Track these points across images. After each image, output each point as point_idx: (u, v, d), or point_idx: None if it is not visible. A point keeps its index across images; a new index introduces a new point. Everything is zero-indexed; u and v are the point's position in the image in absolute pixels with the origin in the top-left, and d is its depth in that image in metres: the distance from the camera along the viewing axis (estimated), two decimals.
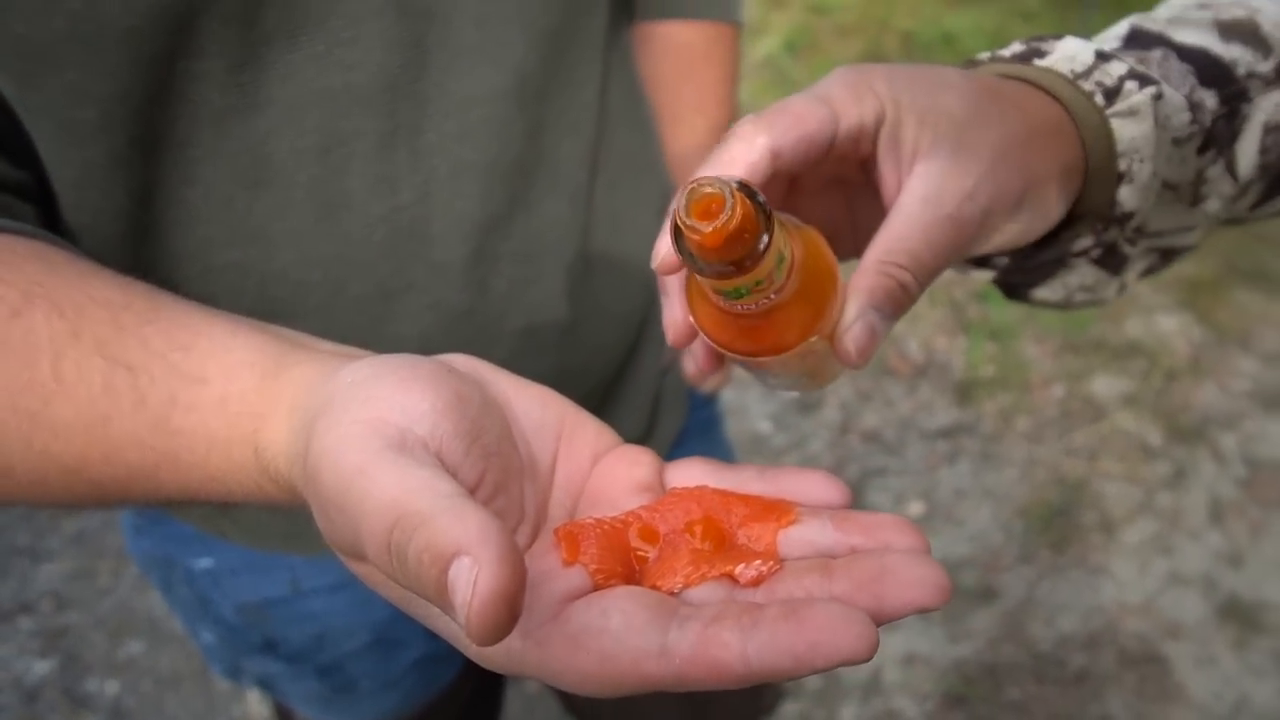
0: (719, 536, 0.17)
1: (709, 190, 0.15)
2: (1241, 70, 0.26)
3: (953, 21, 2.58)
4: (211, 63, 0.27)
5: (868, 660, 0.13)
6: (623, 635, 0.15)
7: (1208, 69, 0.25)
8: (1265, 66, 0.26)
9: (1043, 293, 0.29)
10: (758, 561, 0.16)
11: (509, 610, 0.12)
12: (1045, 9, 2.52)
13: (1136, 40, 0.26)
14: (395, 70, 0.31)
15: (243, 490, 0.21)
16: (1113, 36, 0.27)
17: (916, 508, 1.35)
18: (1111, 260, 0.27)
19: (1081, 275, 0.28)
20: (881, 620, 0.14)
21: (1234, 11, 0.27)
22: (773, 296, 0.17)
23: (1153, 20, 0.27)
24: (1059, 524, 1.32)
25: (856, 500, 0.69)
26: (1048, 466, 1.39)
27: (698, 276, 0.17)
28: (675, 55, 0.54)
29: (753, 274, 0.16)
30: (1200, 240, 0.29)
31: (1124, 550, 1.28)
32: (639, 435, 0.50)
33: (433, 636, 0.19)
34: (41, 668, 1.16)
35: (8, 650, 1.18)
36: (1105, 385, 1.48)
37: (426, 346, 0.21)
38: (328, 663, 0.53)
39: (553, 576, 0.16)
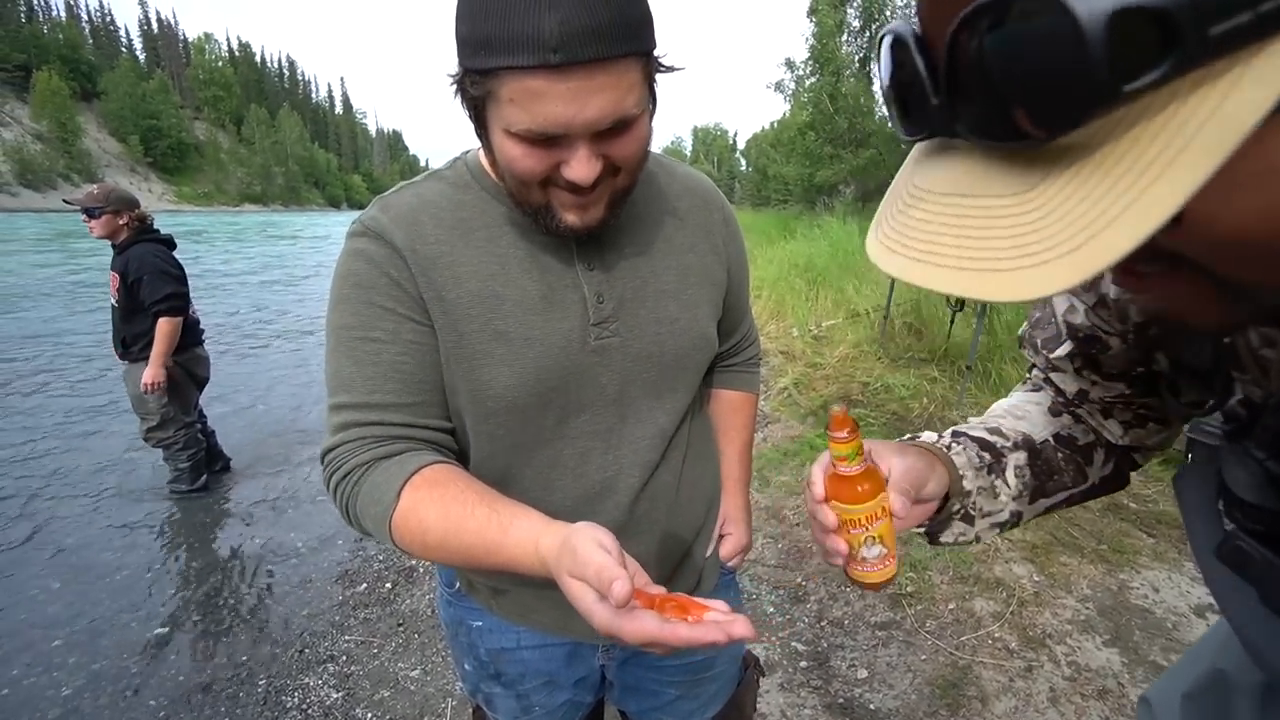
0: (683, 608, 0.50)
1: (836, 407, 0.47)
2: (998, 442, 0.59)
3: (891, 379, 3.98)
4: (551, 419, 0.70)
5: (725, 642, 0.46)
6: (646, 621, 0.47)
7: (985, 441, 0.60)
8: (1007, 442, 0.60)
9: (945, 537, 0.57)
10: (691, 616, 0.48)
11: (624, 602, 0.45)
12: (942, 376, 3.93)
13: (956, 435, 0.61)
14: (612, 422, 0.72)
15: (524, 566, 0.54)
16: (949, 432, 0.60)
17: (862, 673, 2.09)
18: (968, 519, 0.56)
19: (957, 528, 0.57)
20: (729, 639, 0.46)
21: (995, 420, 0.63)
22: (862, 464, 0.46)
23: (966, 426, 0.62)
24: (952, 694, 1.88)
25: (823, 663, 1.73)
26: (946, 655, 2.03)
27: (831, 446, 0.47)
28: (727, 404, 0.94)
29: (855, 441, 0.45)
30: (1008, 522, 0.59)
31: (994, 716, 1.82)
32: (692, 587, 0.87)
33: (577, 684, 0.84)
34: (334, 696, 1.93)
35: (318, 682, 1.96)
36: (982, 605, 2.32)
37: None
38: (522, 691, 0.85)
39: (634, 606, 0.49)
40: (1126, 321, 0.53)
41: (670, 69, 0.58)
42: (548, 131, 0.53)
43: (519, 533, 0.56)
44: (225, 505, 3.19)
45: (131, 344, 2.95)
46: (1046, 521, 2.53)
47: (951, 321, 4.33)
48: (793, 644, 2.12)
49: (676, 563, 0.83)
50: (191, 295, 3.05)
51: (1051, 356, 0.60)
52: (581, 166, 0.55)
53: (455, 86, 0.57)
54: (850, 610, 2.26)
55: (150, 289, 2.83)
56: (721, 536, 0.92)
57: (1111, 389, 0.59)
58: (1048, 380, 0.64)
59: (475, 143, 0.65)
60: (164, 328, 2.85)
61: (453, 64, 0.56)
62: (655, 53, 0.56)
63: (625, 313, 0.69)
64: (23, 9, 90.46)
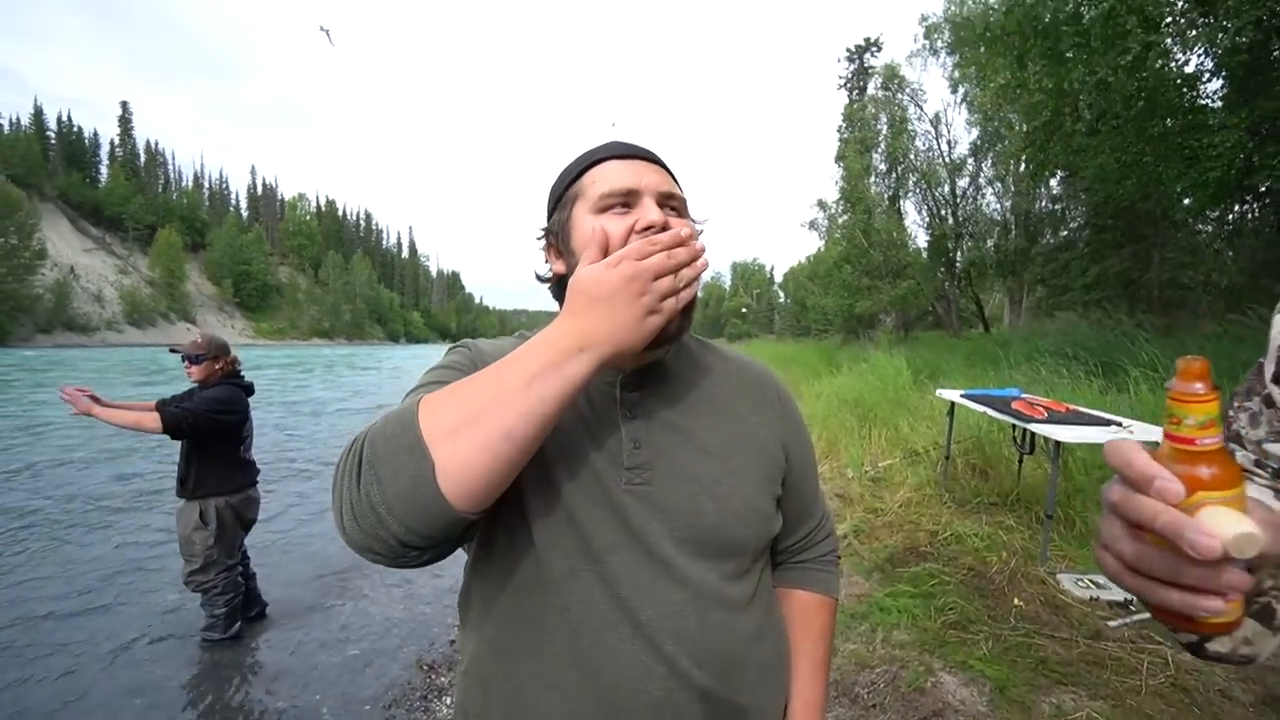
0: None
1: (1189, 357, 0.30)
2: None
3: (960, 526, 3.67)
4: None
5: None
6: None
7: None
8: None
9: (1214, 647, 0.38)
10: None
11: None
12: (1019, 524, 3.59)
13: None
14: (651, 570, 0.66)
15: (556, 341, 0.57)
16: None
17: None
18: (1266, 615, 0.37)
19: (1247, 628, 0.37)
20: None
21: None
22: (1218, 436, 0.30)
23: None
24: None
25: None
26: None
27: (1180, 408, 0.31)
28: (800, 607, 0.83)
29: (1215, 400, 0.28)
30: None
31: None
32: None
33: None
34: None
35: None
36: None
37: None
38: None
39: None
40: None
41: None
42: (623, 187, 0.68)
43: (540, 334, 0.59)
44: (255, 658, 3.05)
45: (188, 480, 3.01)
46: (1185, 718, 2.11)
47: (1020, 461, 4.06)
48: None
49: None
50: (259, 427, 3.13)
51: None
52: (652, 210, 0.67)
53: (544, 238, 0.76)
54: None
55: (192, 405, 2.89)
56: None
57: None
58: (1261, 460, 0.51)
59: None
60: (147, 416, 2.79)
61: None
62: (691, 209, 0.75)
63: (660, 463, 0.67)
64: (161, 181, 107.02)
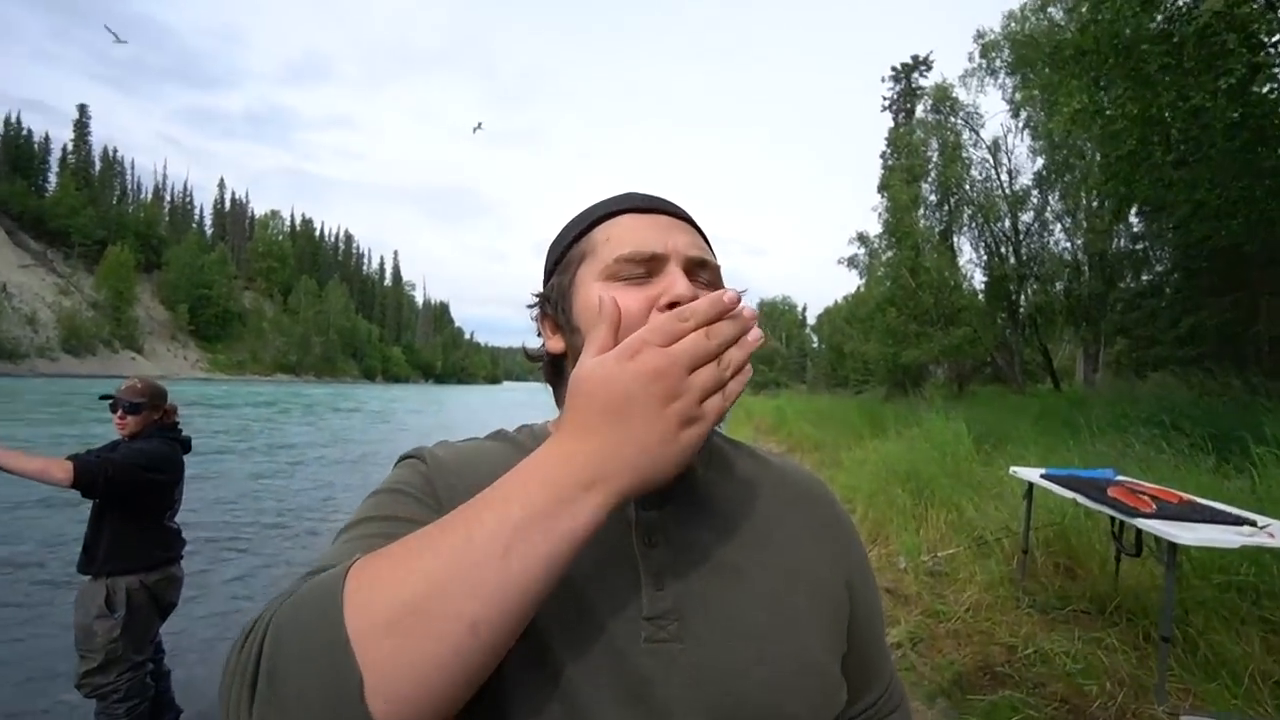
0: None
1: None
2: None
3: (1047, 641, 3.39)
4: None
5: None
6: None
7: None
8: None
9: None
10: None
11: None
12: (1122, 643, 3.31)
13: None
14: None
15: (522, 490, 0.49)
16: None
17: None
18: None
19: None
20: None
21: None
22: None
23: None
24: None
25: None
26: None
27: None
28: None
29: None
30: None
31: None
32: None
33: None
34: None
35: None
36: None
37: None
38: None
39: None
40: None
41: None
42: (644, 251, 0.65)
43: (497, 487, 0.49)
44: None
45: (96, 551, 2.83)
46: None
47: (1117, 559, 3.79)
48: None
49: None
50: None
51: None
52: (679, 282, 0.63)
53: (538, 305, 0.74)
54: None
55: (106, 457, 2.74)
56: None
57: None
58: None
59: (517, 319, 0.76)
60: (55, 464, 2.63)
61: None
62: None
63: (692, 611, 0.59)
64: (117, 192, 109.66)
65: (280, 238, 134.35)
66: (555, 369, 0.72)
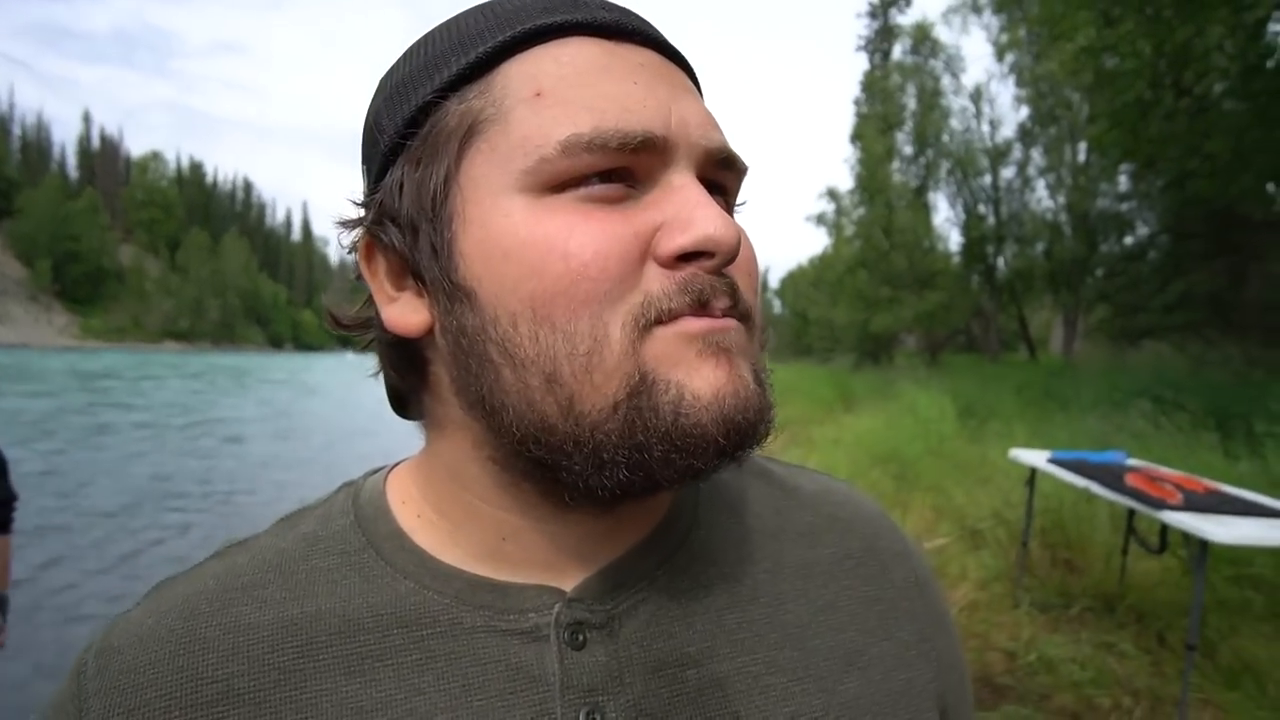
0: None
1: None
2: None
3: (1049, 648, 3.32)
4: None
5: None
6: None
7: None
8: None
9: None
10: None
11: None
12: (1136, 649, 3.26)
13: None
14: None
15: None
16: None
17: None
18: None
19: None
20: None
21: None
22: None
23: None
24: None
25: None
26: None
27: None
28: None
29: None
30: None
31: None
32: None
33: None
34: None
35: None
36: None
37: None
38: None
39: None
40: None
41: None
42: (632, 128, 0.36)
43: None
44: None
45: None
46: None
47: (1124, 552, 3.75)
48: None
49: None
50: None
51: None
52: (704, 213, 0.36)
53: (362, 225, 0.42)
54: None
55: None
56: None
57: None
58: None
59: None
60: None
61: None
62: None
63: None
64: None
65: (164, 184, 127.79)
66: (404, 355, 0.43)
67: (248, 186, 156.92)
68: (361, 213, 0.42)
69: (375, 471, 0.50)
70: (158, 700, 0.38)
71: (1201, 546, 2.67)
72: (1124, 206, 17.46)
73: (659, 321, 0.35)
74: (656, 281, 0.36)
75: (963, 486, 5.42)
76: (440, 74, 0.39)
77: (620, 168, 0.36)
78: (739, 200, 0.44)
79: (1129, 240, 17.40)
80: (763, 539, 0.49)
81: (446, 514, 0.43)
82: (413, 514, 0.44)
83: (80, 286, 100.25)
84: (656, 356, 0.35)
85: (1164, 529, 3.06)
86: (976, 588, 4.00)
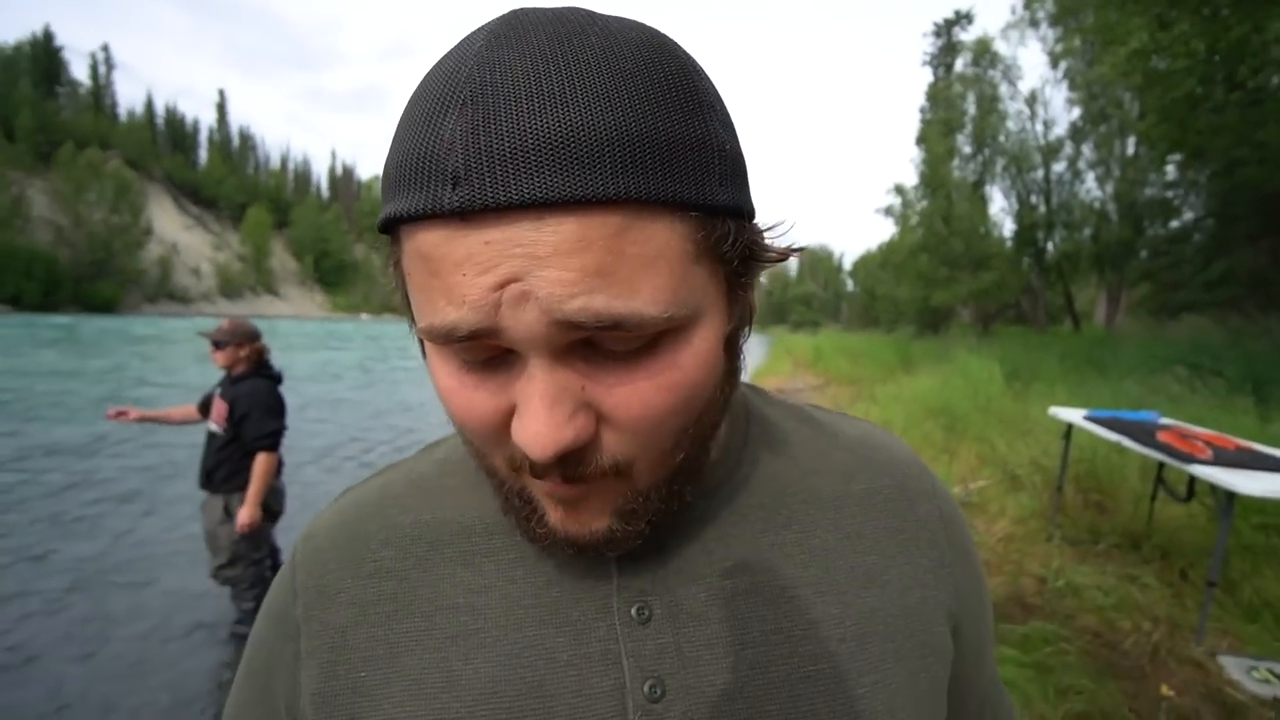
0: None
1: None
2: None
3: (1078, 576, 3.05)
4: None
5: None
6: None
7: None
8: None
9: None
10: None
11: None
12: (1158, 581, 2.94)
13: None
14: None
15: None
16: None
17: None
18: None
19: None
20: None
21: None
22: None
23: None
24: None
25: None
26: None
27: None
28: None
29: None
30: None
31: None
32: None
33: None
34: None
35: None
36: None
37: None
38: None
39: None
40: None
41: (776, 254, 0.34)
42: (450, 329, 0.28)
43: None
44: None
45: (216, 474, 2.94)
46: None
47: (1153, 498, 3.37)
48: None
49: None
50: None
51: None
52: (531, 422, 0.29)
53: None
54: None
55: (258, 424, 2.88)
56: None
57: None
58: None
59: None
60: (265, 464, 2.86)
61: None
62: (730, 212, 0.30)
63: (702, 695, 0.36)
64: (251, 164, 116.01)
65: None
66: None
67: None
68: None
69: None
70: (336, 569, 0.42)
71: (1229, 497, 2.37)
72: (1170, 194, 15.30)
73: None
74: (519, 449, 0.32)
75: (1005, 438, 5.01)
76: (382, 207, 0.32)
77: (483, 352, 0.30)
78: (771, 254, 0.35)
79: (1174, 224, 15.29)
80: (801, 475, 0.45)
81: None
82: None
83: (330, 274, 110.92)
84: (534, 486, 0.34)
85: (1192, 480, 2.73)
86: (1014, 523, 3.72)
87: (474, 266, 0.27)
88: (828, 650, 0.39)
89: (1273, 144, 5.79)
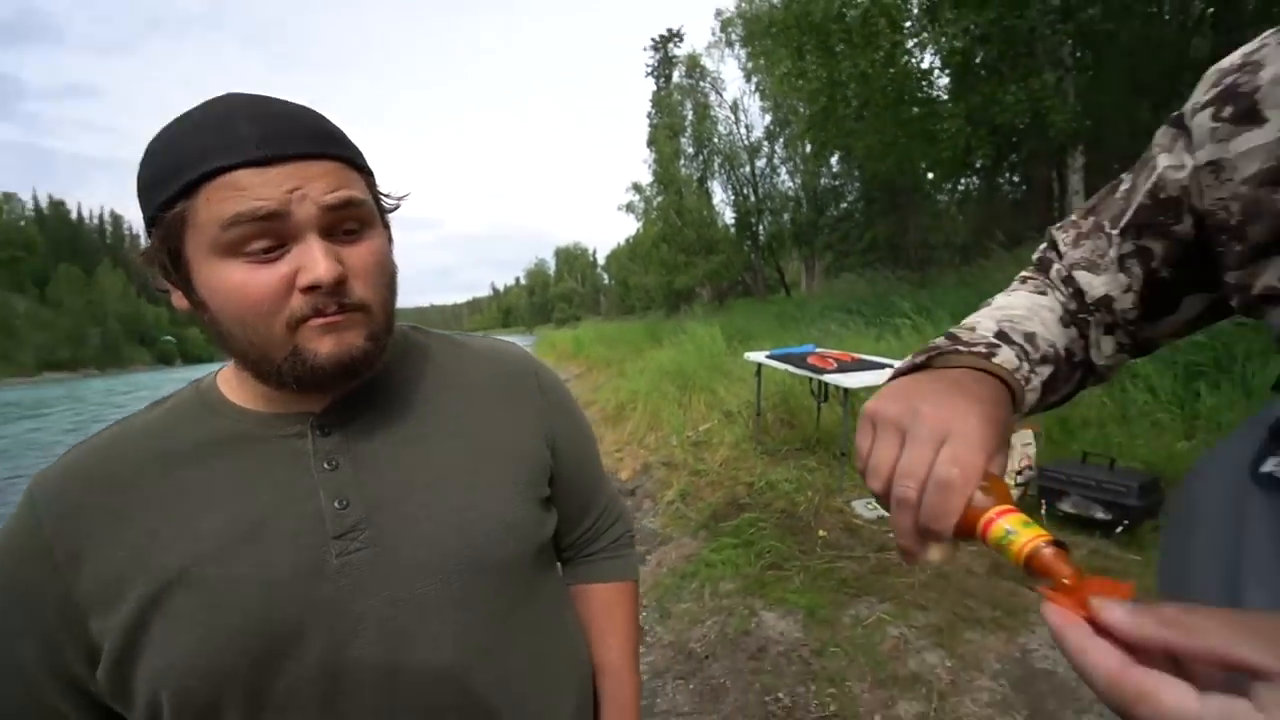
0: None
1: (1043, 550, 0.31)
2: (1033, 353, 0.48)
3: (773, 475, 4.03)
4: None
5: None
6: None
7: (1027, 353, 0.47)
8: (1036, 354, 0.48)
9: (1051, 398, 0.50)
10: None
11: None
12: (820, 464, 4.04)
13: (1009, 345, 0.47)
14: (383, 668, 0.53)
15: None
16: (1000, 342, 0.47)
17: None
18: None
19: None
20: None
21: (1023, 322, 0.50)
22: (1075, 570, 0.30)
23: (1011, 328, 0.49)
24: None
25: None
26: None
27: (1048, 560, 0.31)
28: (599, 603, 0.76)
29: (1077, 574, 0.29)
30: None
31: None
32: None
33: None
34: None
35: None
36: (905, 708, 2.23)
37: None
38: None
39: None
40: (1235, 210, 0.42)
41: (392, 200, 0.58)
42: (263, 209, 0.46)
43: None
44: None
45: None
46: (945, 599, 2.55)
47: (818, 409, 4.56)
48: None
49: None
50: None
51: (1113, 231, 0.51)
52: (318, 259, 0.48)
53: (152, 254, 0.50)
54: None
55: None
56: None
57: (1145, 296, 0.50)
58: (1068, 279, 0.54)
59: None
60: None
61: None
62: (372, 174, 0.56)
63: (382, 515, 0.54)
64: None
65: (23, 223, 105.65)
66: (201, 323, 0.53)
67: (115, 219, 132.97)
68: (149, 247, 0.51)
69: (205, 377, 0.62)
70: (79, 488, 0.51)
71: (845, 393, 3.42)
72: (837, 183, 19.46)
73: (302, 321, 0.49)
74: (297, 301, 0.49)
75: (725, 385, 6.16)
76: (160, 192, 0.47)
77: (270, 234, 0.47)
78: (392, 202, 0.58)
79: (842, 206, 19.47)
80: (438, 374, 0.64)
81: (244, 386, 0.57)
82: (229, 389, 0.58)
83: None
84: (302, 337, 0.50)
85: (825, 386, 3.84)
86: (730, 449, 4.69)
87: (273, 185, 0.46)
88: (456, 464, 0.59)
89: (874, 147, 8.11)
